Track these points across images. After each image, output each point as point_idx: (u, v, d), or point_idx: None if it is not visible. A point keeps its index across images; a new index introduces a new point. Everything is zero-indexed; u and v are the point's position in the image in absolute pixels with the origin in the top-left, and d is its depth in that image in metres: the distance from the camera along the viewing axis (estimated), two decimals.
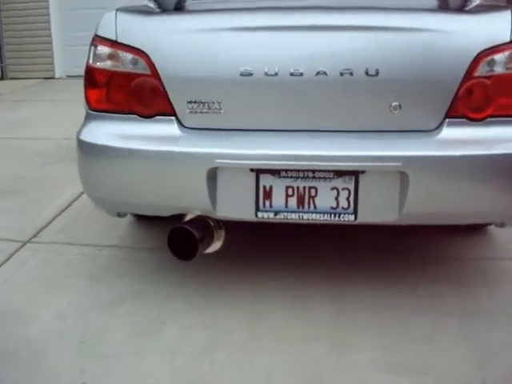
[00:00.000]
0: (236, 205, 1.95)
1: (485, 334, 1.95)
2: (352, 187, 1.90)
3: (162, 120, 1.98)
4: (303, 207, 1.93)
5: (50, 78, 8.08)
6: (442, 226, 2.42)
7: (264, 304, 2.15)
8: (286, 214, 1.93)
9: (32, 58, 8.07)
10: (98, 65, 2.02)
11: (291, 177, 1.91)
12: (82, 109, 2.16)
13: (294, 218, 1.94)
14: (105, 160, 2.02)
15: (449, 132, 1.89)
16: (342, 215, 1.92)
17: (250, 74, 1.88)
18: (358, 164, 1.87)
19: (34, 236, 2.79)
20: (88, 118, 2.10)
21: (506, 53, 1.84)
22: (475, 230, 2.67)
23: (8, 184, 3.54)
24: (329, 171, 1.89)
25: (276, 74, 1.87)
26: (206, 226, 2.02)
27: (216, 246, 2.07)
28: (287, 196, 1.93)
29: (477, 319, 2.03)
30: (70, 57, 7.89)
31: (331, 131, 1.93)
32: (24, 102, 6.51)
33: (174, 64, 1.94)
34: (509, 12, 1.89)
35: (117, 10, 2.05)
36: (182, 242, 1.93)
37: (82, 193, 2.96)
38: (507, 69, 1.85)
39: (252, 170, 1.91)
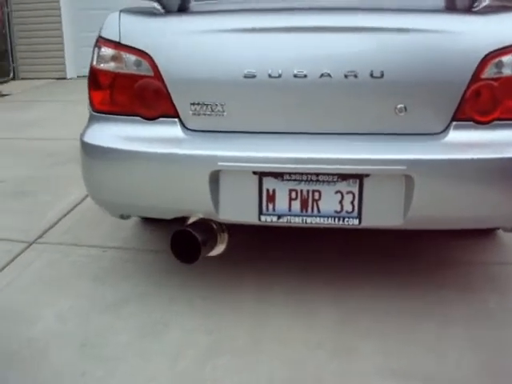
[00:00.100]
0: (239, 208, 1.94)
1: (492, 341, 1.91)
2: (356, 191, 1.87)
3: (165, 122, 1.97)
4: (307, 211, 1.91)
5: (61, 79, 8.13)
6: (449, 230, 2.38)
7: (267, 307, 2.14)
8: (289, 217, 1.91)
9: (43, 59, 8.12)
10: (102, 66, 2.02)
11: (295, 180, 1.89)
12: None
13: (297, 221, 1.92)
14: (108, 162, 2.02)
15: (455, 135, 1.86)
16: (346, 219, 1.90)
17: (254, 76, 1.87)
18: (363, 167, 1.85)
19: (40, 237, 2.79)
20: (91, 120, 2.09)
21: None
22: (484, 234, 2.63)
23: (17, 184, 3.56)
24: (333, 174, 1.87)
25: (280, 76, 1.85)
26: (209, 229, 2.01)
27: (219, 249, 2.06)
28: (291, 199, 1.91)
29: (485, 325, 2.00)
30: (81, 57, 7.91)
31: (335, 134, 1.91)
32: (35, 102, 6.55)
33: (177, 66, 1.93)
34: None
35: (120, 11, 2.04)
36: (184, 244, 1.92)
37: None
38: None
39: (255, 172, 1.89)
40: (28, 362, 1.86)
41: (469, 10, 1.99)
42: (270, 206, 1.91)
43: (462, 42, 1.83)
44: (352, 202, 1.88)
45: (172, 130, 1.96)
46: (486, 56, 1.81)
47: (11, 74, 8.33)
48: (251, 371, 1.80)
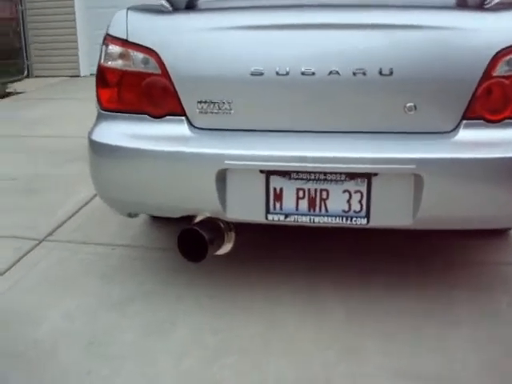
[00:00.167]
0: (246, 207, 1.92)
1: (503, 342, 1.88)
2: (364, 190, 1.85)
3: (172, 120, 1.96)
4: (314, 210, 1.89)
5: (74, 76, 8.17)
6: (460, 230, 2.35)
7: (275, 307, 2.12)
8: (296, 216, 1.90)
9: (57, 57, 8.18)
10: (110, 64, 2.01)
11: (302, 179, 1.87)
12: None
13: (304, 220, 1.90)
14: (115, 160, 2.02)
15: (465, 134, 1.83)
16: (353, 218, 1.88)
17: (261, 74, 1.85)
18: (371, 166, 1.82)
19: (50, 234, 2.80)
20: (99, 118, 2.09)
21: None
22: (496, 234, 2.59)
23: (27, 182, 3.58)
24: (341, 173, 1.85)
25: (287, 74, 1.83)
26: (216, 227, 2.00)
27: (226, 247, 2.05)
28: (298, 198, 1.89)
29: (496, 326, 1.97)
30: (94, 55, 7.80)
31: (343, 132, 1.88)
32: (48, 100, 6.59)
33: (184, 63, 1.92)
34: None
35: (128, 8, 2.03)
36: (192, 243, 1.91)
37: None
38: None
39: (262, 171, 1.88)
40: (34, 363, 1.86)
41: (480, 6, 1.96)
42: (278, 205, 1.90)
43: (472, 39, 1.79)
44: (360, 202, 1.86)
45: (179, 128, 1.95)
46: (498, 53, 1.77)
47: (25, 72, 8.40)
48: (259, 371, 1.78)
